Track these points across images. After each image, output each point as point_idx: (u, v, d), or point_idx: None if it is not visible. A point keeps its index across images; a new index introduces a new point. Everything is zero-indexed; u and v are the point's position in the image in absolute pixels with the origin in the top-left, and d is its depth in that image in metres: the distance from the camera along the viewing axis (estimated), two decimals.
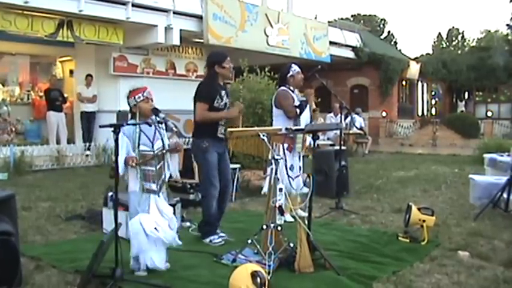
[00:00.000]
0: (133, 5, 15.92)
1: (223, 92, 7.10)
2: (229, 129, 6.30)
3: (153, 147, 5.65)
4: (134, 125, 5.50)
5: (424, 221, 7.30)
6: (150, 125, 5.66)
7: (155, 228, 5.48)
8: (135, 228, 5.45)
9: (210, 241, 7.04)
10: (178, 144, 5.93)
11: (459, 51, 56.79)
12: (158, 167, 5.65)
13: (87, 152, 16.13)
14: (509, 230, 7.87)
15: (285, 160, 7.54)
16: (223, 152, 7.13)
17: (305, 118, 8.44)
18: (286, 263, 5.87)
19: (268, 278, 5.06)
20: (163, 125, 5.82)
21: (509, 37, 36.97)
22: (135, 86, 5.96)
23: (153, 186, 5.65)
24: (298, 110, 8.21)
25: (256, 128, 6.57)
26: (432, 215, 7.49)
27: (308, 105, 8.43)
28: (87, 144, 16.42)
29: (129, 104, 5.79)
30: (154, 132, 5.72)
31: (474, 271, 5.97)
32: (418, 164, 17.18)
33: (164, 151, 5.73)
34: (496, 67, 31.74)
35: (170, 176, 6.00)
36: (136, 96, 5.69)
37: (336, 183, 10.03)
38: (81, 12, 14.95)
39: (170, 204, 7.58)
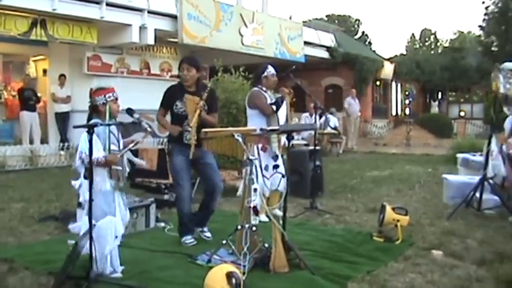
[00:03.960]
0: (107, 4, 15.83)
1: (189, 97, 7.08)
2: (203, 130, 6.29)
3: (119, 146, 5.64)
4: (108, 125, 5.47)
5: (398, 220, 7.36)
6: (124, 125, 5.64)
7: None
8: (105, 229, 5.42)
9: (183, 241, 7.04)
10: (137, 142, 5.91)
11: (432, 52, 57.22)
12: (121, 166, 5.65)
13: (61, 152, 16.01)
14: (481, 229, 7.95)
15: (260, 160, 7.56)
16: (200, 157, 7.04)
17: (282, 116, 8.47)
18: (261, 263, 5.88)
19: (243, 278, 5.06)
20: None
21: (482, 38, 37.31)
22: (107, 85, 5.94)
23: (121, 185, 5.66)
24: (274, 107, 8.23)
25: (231, 129, 6.56)
26: (406, 214, 7.54)
27: (285, 103, 8.46)
28: (61, 144, 16.31)
29: (93, 102, 5.71)
30: (118, 132, 5.72)
31: (447, 270, 6.04)
32: (392, 164, 17.26)
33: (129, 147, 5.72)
34: (468, 68, 32.03)
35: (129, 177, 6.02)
36: (107, 95, 5.65)
37: (310, 183, 10.05)
38: (54, 11, 14.84)
39: (145, 205, 7.63)
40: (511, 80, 9.68)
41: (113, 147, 5.55)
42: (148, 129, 5.89)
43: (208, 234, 7.33)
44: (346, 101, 24.28)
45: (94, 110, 5.71)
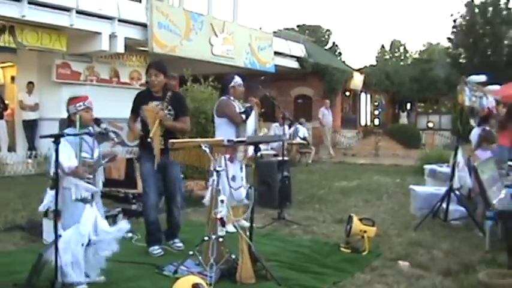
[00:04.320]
0: (77, 12, 15.76)
1: (156, 103, 7.07)
2: (171, 141, 6.29)
3: (92, 155, 5.63)
4: (75, 135, 5.46)
5: (365, 231, 7.40)
6: (91, 135, 5.63)
7: (89, 240, 5.47)
8: (71, 238, 5.38)
9: (150, 251, 7.03)
10: (114, 154, 5.92)
11: (402, 63, 57.65)
12: (93, 176, 5.63)
13: (29, 161, 15.87)
14: (448, 240, 8.03)
15: (227, 171, 7.57)
16: (165, 164, 7.06)
17: (251, 125, 8.49)
18: (227, 274, 5.88)
19: None
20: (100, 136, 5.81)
21: (450, 50, 37.70)
22: (76, 93, 5.94)
23: (89, 196, 5.61)
24: (243, 116, 8.27)
25: (198, 140, 6.55)
26: (373, 225, 7.59)
27: (254, 112, 8.50)
28: (29, 152, 16.17)
29: (68, 111, 5.75)
30: (93, 142, 5.71)
31: (414, 281, 6.09)
32: (361, 174, 17.34)
33: (103, 161, 5.72)
34: (437, 79, 32.31)
35: (105, 185, 5.99)
36: (77, 105, 5.67)
37: (278, 194, 10.06)
38: (23, 18, 14.73)
39: (112, 215, 7.59)
40: (477, 93, 9.83)
41: (85, 155, 5.54)
42: (116, 139, 5.89)
43: (179, 244, 7.34)
44: (320, 112, 24.41)
45: (69, 119, 5.74)
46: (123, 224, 5.90)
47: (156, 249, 7.04)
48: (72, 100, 5.74)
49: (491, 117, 10.91)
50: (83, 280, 5.51)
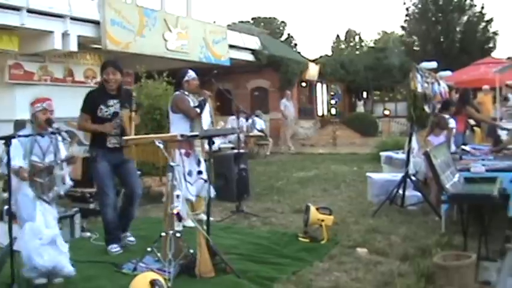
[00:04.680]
0: (28, 11, 15.49)
1: (112, 101, 7.06)
2: (124, 138, 6.29)
3: (44, 159, 5.60)
4: (26, 136, 5.44)
5: (323, 220, 7.47)
6: (43, 136, 5.61)
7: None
8: (25, 240, 5.35)
9: (109, 250, 7.01)
10: (73, 156, 5.91)
11: (357, 52, 57.98)
12: (47, 179, 5.60)
13: None
14: (405, 225, 8.16)
15: (183, 166, 7.58)
16: (121, 161, 7.04)
17: (206, 118, 8.51)
18: (186, 269, 5.91)
19: (169, 285, 5.09)
20: (60, 138, 5.78)
21: (404, 38, 38.08)
22: (36, 95, 5.95)
23: (43, 197, 5.59)
24: (198, 110, 8.31)
25: (152, 136, 6.54)
26: (330, 214, 7.67)
27: (208, 105, 8.53)
28: None
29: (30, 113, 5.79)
30: (49, 145, 5.68)
31: (372, 267, 6.20)
32: (319, 164, 17.46)
33: (60, 162, 5.70)
34: (392, 67, 32.53)
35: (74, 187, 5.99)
36: (36, 106, 5.72)
37: (236, 187, 10.12)
38: None
39: (69, 215, 7.54)
40: (428, 80, 9.98)
41: (34, 158, 5.52)
42: (68, 139, 5.85)
43: (131, 238, 7.34)
44: (281, 103, 24.41)
45: (31, 121, 5.76)
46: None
47: (114, 248, 7.02)
48: (33, 102, 5.78)
49: (451, 104, 11.09)
50: (44, 280, 5.49)
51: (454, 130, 10.37)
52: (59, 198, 5.94)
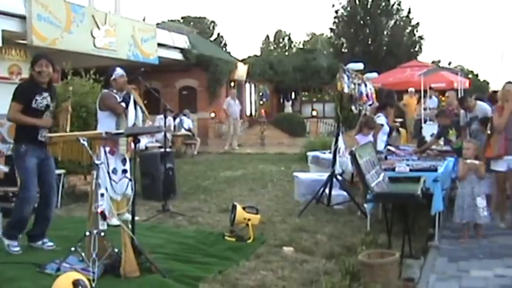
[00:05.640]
0: None
1: (45, 94, 6.91)
2: (47, 135, 6.17)
3: None
4: None
5: (249, 219, 7.51)
6: None
7: None
8: None
9: (8, 246, 6.82)
10: None
11: (286, 53, 58.41)
12: None
13: None
14: (331, 224, 8.28)
15: (107, 164, 7.49)
16: (45, 157, 6.93)
17: (132, 114, 8.44)
18: (111, 269, 5.83)
19: (93, 285, 5.02)
20: None
21: (333, 40, 38.57)
22: None
23: None
24: (123, 104, 8.27)
25: (76, 133, 6.44)
26: (257, 213, 7.72)
27: (136, 100, 8.47)
28: None
29: None
30: None
31: (298, 265, 6.28)
32: (246, 164, 17.49)
33: None
34: (320, 68, 32.88)
35: None
36: None
37: (162, 186, 10.07)
38: None
39: None
40: (355, 81, 10.10)
41: None
42: None
43: (50, 243, 7.13)
44: (226, 102, 24.41)
45: None
46: None
47: (15, 246, 6.84)
48: None
49: (390, 106, 11.26)
50: None
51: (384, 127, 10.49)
52: None
